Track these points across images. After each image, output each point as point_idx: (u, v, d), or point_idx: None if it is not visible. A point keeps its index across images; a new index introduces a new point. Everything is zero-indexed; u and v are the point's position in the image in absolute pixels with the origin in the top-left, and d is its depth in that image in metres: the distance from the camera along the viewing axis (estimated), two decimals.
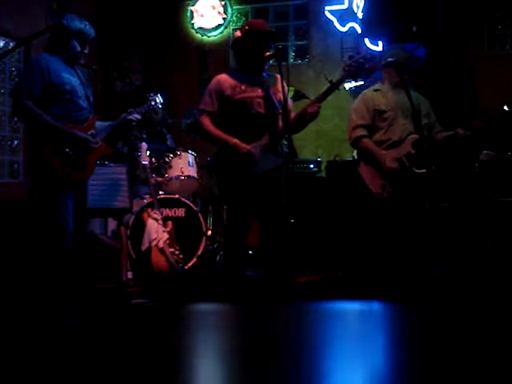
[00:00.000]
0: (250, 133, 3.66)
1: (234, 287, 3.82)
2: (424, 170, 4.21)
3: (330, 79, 3.69)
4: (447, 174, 4.98)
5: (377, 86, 4.43)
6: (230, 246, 3.84)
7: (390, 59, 4.37)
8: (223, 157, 3.74)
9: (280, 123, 3.67)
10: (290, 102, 3.77)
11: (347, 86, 6.61)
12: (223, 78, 3.72)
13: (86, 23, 3.83)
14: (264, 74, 3.78)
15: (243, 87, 3.67)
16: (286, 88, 3.66)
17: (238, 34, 3.79)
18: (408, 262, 4.24)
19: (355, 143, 4.33)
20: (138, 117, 4.00)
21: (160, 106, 4.25)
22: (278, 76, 3.72)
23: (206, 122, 3.71)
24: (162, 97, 4.26)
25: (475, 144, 4.87)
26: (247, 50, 3.71)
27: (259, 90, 3.68)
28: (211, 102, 3.71)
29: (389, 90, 4.35)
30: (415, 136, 4.23)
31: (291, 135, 3.80)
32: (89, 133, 3.79)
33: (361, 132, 4.28)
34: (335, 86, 3.66)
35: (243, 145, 3.62)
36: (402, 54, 4.42)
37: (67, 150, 3.68)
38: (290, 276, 3.80)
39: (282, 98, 3.61)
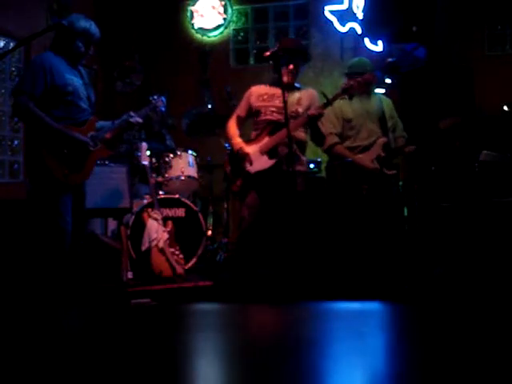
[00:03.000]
0: (259, 136, 4.19)
1: (242, 282, 4.17)
2: (395, 171, 4.49)
3: (326, 96, 4.06)
4: (447, 174, 4.98)
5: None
6: (238, 245, 4.38)
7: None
8: (233, 155, 4.29)
9: (285, 131, 3.97)
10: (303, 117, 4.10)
11: None
12: (256, 88, 4.32)
13: (92, 23, 3.79)
14: (296, 86, 4.25)
15: (265, 97, 4.22)
16: (314, 101, 4.20)
17: (275, 48, 4.13)
18: (406, 260, 4.27)
19: (329, 150, 4.64)
20: (140, 120, 3.99)
21: (163, 109, 4.26)
22: (309, 91, 4.27)
23: (231, 122, 4.36)
24: (164, 99, 4.26)
25: (474, 145, 4.89)
26: (276, 66, 4.13)
27: (277, 101, 4.12)
28: (240, 107, 4.37)
29: (355, 98, 4.51)
30: (384, 139, 4.48)
31: (291, 136, 3.97)
32: (89, 135, 3.78)
33: (334, 139, 4.59)
34: (328, 103, 4.05)
35: (243, 145, 4.19)
36: (363, 62, 4.58)
37: (66, 152, 3.68)
38: (299, 275, 4.00)
39: (298, 110, 4.11)
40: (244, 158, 4.15)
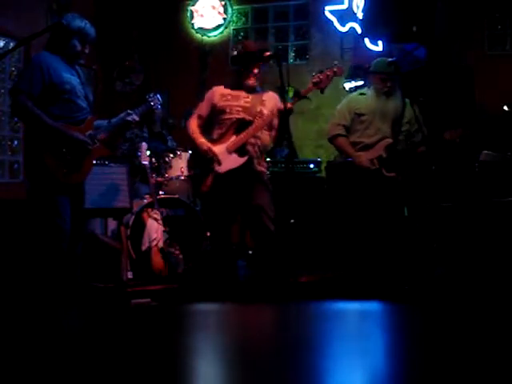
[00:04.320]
0: (224, 135, 4.15)
1: (223, 282, 4.13)
2: (393, 174, 4.45)
3: (297, 89, 4.17)
4: (447, 174, 4.98)
5: (364, 90, 4.72)
6: (213, 244, 4.32)
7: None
8: (197, 155, 4.24)
9: (252, 130, 4.08)
10: (274, 119, 4.15)
11: (347, 85, 6.61)
12: (217, 89, 4.28)
13: (87, 22, 3.81)
14: (258, 89, 4.23)
15: (229, 97, 4.19)
16: (277, 103, 4.14)
17: (234, 53, 4.30)
18: (406, 260, 4.27)
19: (331, 140, 4.67)
20: (136, 118, 3.99)
21: (159, 107, 4.25)
22: (271, 93, 4.24)
23: (192, 121, 4.30)
24: (161, 97, 4.26)
25: (474, 145, 4.88)
26: (239, 68, 4.23)
27: (242, 101, 4.16)
28: (202, 107, 4.32)
29: (372, 95, 4.58)
30: (389, 140, 4.47)
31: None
32: (87, 134, 3.78)
33: (339, 130, 4.60)
34: (301, 96, 4.10)
35: (209, 145, 4.11)
36: (386, 63, 4.58)
37: (64, 151, 3.68)
38: (284, 275, 3.96)
39: (263, 111, 4.08)
40: (212, 158, 4.08)
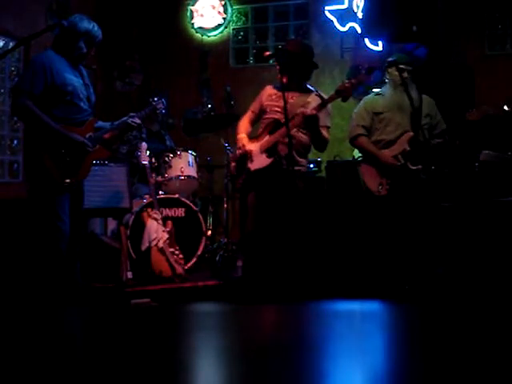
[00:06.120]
0: (261, 134, 4.26)
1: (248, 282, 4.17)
2: (419, 167, 4.39)
3: (322, 97, 4.08)
4: (447, 174, 4.98)
5: (378, 90, 4.67)
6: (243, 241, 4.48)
7: (391, 59, 4.47)
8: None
9: (284, 130, 4.00)
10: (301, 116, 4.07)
11: None
12: (269, 87, 4.41)
13: (95, 24, 3.80)
14: (310, 88, 4.30)
15: (274, 97, 4.28)
16: (313, 103, 4.09)
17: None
18: (409, 260, 4.26)
19: (353, 141, 4.61)
20: (138, 121, 3.99)
21: (163, 111, 4.26)
22: (317, 95, 4.18)
23: (244, 118, 4.46)
24: (165, 101, 4.27)
25: (474, 142, 4.88)
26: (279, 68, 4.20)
27: (282, 101, 4.04)
28: (255, 104, 4.43)
29: (389, 91, 4.54)
30: (410, 133, 4.40)
31: (290, 135, 4.00)
32: (87, 135, 3.77)
33: (359, 131, 4.54)
34: (324, 104, 4.05)
35: (245, 142, 4.26)
36: (403, 55, 4.55)
37: (63, 152, 3.67)
38: (300, 275, 4.03)
39: (303, 111, 4.00)
40: (246, 154, 4.21)
